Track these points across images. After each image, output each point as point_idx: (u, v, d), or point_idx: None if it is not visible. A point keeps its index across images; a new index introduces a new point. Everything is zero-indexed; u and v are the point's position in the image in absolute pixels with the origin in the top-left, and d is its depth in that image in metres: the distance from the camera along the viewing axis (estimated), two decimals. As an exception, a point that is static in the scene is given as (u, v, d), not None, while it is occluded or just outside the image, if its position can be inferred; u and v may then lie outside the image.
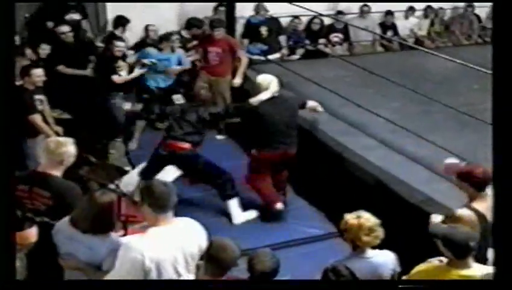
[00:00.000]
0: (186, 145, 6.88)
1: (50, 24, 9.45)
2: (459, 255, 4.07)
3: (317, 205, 7.29)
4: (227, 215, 6.98)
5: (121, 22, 9.61)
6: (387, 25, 11.88)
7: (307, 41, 11.18)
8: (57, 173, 4.75)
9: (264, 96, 6.84)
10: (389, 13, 11.83)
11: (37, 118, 7.23)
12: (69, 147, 4.80)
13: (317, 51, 11.10)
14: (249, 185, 7.05)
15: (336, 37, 11.55)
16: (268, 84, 6.92)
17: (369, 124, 7.75)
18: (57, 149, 4.73)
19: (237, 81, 8.91)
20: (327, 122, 7.89)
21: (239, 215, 6.99)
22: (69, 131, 7.71)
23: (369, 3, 11.70)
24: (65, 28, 9.14)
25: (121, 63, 8.69)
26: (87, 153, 7.86)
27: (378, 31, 11.78)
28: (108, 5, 9.95)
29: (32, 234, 4.50)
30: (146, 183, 4.40)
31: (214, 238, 4.14)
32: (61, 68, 8.90)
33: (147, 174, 6.96)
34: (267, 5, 10.58)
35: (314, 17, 11.17)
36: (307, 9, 9.39)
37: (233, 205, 7.01)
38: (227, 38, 8.99)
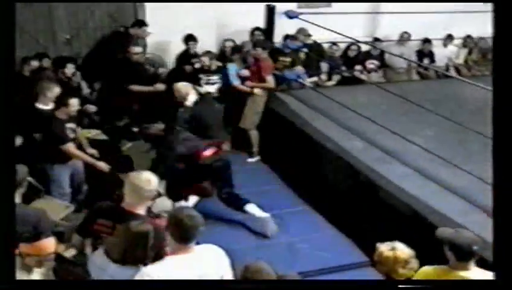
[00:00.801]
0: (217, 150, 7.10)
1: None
2: (461, 258, 4.26)
3: (349, 233, 7.26)
4: (256, 237, 7.02)
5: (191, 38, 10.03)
6: (425, 52, 11.86)
7: (344, 68, 11.20)
8: (141, 210, 4.65)
9: (192, 98, 7.71)
10: (427, 41, 11.81)
11: (70, 147, 7.13)
12: (155, 184, 4.70)
13: (353, 77, 11.12)
14: None
15: (371, 64, 11.56)
16: (187, 89, 7.79)
17: (404, 152, 7.70)
18: (146, 186, 4.61)
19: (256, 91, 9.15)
20: (362, 149, 7.88)
21: (263, 213, 7.09)
22: (103, 151, 7.87)
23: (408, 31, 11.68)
24: (138, 49, 9.35)
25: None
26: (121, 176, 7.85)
27: (414, 58, 11.76)
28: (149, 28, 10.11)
29: (49, 244, 4.53)
30: (175, 213, 4.27)
31: (249, 262, 4.14)
32: (135, 87, 9.06)
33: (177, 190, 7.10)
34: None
35: (352, 43, 11.19)
36: (344, 35, 9.42)
37: (254, 207, 7.12)
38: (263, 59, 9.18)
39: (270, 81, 9.26)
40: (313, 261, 6.68)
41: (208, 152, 7.08)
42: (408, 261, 4.35)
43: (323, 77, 10.93)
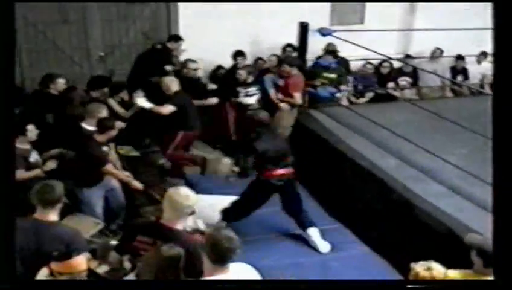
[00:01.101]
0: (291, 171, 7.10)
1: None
2: (489, 264, 4.31)
3: (382, 252, 7.20)
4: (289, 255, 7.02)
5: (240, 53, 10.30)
6: (458, 69, 11.77)
7: (376, 85, 11.17)
8: (180, 226, 4.67)
9: (175, 87, 8.61)
10: (460, 58, 11.72)
11: (109, 167, 7.20)
12: (194, 199, 4.71)
13: (386, 95, 11.08)
14: (175, 159, 8.78)
15: (403, 80, 11.51)
16: (168, 82, 8.70)
17: (439, 170, 7.63)
18: (184, 202, 4.63)
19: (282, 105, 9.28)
20: (396, 167, 7.83)
21: (323, 243, 7.11)
22: (134, 168, 7.91)
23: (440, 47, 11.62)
24: (195, 65, 9.51)
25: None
26: (153, 191, 7.91)
27: (448, 75, 11.68)
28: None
29: (81, 262, 4.58)
30: (213, 234, 4.20)
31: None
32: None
33: (246, 209, 7.22)
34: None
35: (384, 60, 11.16)
36: (377, 52, 9.39)
37: (316, 232, 7.15)
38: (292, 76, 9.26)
39: (297, 97, 9.30)
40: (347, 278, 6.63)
41: (282, 171, 7.05)
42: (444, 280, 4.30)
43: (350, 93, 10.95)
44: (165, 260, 4.18)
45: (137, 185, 7.41)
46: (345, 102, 10.65)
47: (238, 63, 10.22)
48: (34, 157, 6.81)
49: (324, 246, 7.11)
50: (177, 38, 9.98)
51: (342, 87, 10.28)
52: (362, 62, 11.03)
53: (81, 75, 10.03)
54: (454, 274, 4.45)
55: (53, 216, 5.05)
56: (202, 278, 4.12)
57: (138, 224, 5.14)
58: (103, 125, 7.06)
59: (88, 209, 7.14)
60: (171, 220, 4.64)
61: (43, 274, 4.68)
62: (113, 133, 7.16)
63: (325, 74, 9.89)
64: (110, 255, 5.04)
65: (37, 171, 6.73)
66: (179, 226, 4.65)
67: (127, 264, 4.98)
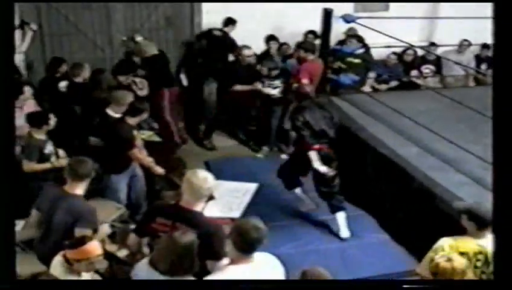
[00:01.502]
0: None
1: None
2: (482, 226, 4.72)
3: (401, 240, 7.21)
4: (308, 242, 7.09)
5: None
6: (482, 58, 11.65)
7: (399, 74, 11.09)
8: (199, 208, 4.68)
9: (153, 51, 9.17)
10: (485, 46, 11.58)
11: (136, 152, 7.21)
12: (212, 182, 4.72)
13: (409, 82, 11.00)
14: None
15: (427, 68, 11.42)
16: (146, 44, 9.36)
17: (461, 160, 7.55)
18: (203, 185, 4.63)
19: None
20: (418, 156, 7.78)
21: (345, 229, 7.25)
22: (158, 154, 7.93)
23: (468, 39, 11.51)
24: (249, 52, 9.60)
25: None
26: (174, 176, 7.90)
27: (473, 63, 11.56)
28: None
29: (95, 246, 4.65)
30: (241, 223, 4.29)
31: (306, 268, 4.12)
32: (239, 87, 9.41)
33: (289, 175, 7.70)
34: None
35: (408, 48, 11.07)
36: (401, 40, 9.32)
37: (342, 217, 7.28)
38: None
39: (304, 83, 8.96)
40: (363, 267, 6.66)
41: (317, 146, 7.22)
42: (466, 272, 4.28)
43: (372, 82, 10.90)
44: (180, 247, 4.19)
45: (159, 170, 7.44)
46: (367, 89, 10.57)
47: (270, 48, 10.35)
48: (49, 149, 6.81)
49: (345, 232, 7.18)
50: (233, 22, 10.11)
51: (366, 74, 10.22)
52: (385, 50, 10.92)
53: (102, 59, 10.06)
54: (450, 240, 4.79)
55: (79, 190, 5.38)
56: (227, 265, 4.14)
57: (157, 206, 5.16)
58: (136, 108, 7.10)
59: (113, 195, 7.20)
60: (190, 202, 4.65)
61: (58, 262, 4.71)
62: (145, 116, 7.24)
63: (349, 59, 9.82)
64: (129, 237, 5.07)
65: (47, 165, 6.74)
66: (198, 208, 4.66)
67: (146, 249, 5.01)
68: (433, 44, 11.46)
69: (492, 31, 3.42)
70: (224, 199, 7.39)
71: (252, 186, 8.04)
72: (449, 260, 4.30)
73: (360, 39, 10.12)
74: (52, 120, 6.84)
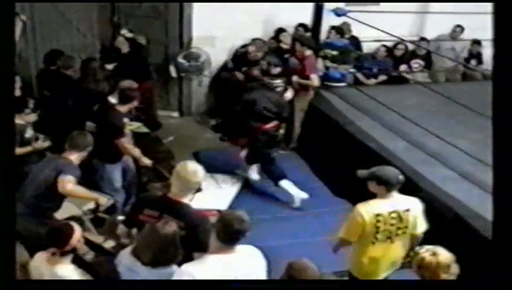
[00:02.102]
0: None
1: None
2: (391, 188, 5.14)
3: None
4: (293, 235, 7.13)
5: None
6: (473, 53, 11.65)
7: (388, 67, 11.08)
8: (186, 200, 4.67)
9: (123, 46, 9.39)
10: (476, 42, 11.57)
11: (125, 141, 7.13)
12: (201, 175, 4.72)
13: (398, 77, 11.01)
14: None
15: (416, 63, 11.42)
16: (120, 42, 9.47)
17: (449, 155, 7.58)
18: (192, 178, 4.63)
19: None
20: (405, 150, 7.79)
21: (298, 191, 7.70)
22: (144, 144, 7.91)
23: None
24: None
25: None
26: (162, 168, 7.91)
27: (465, 51, 11.66)
28: (195, 23, 10.15)
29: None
30: (225, 214, 4.33)
31: (293, 260, 4.15)
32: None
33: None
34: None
35: (398, 42, 11.07)
36: (391, 34, 9.32)
37: (288, 184, 7.70)
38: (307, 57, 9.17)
39: (314, 79, 9.16)
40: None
41: (269, 126, 7.73)
42: (450, 266, 4.29)
43: (360, 76, 10.90)
44: (162, 238, 4.19)
45: (147, 161, 7.39)
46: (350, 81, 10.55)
47: (281, 40, 10.24)
48: (29, 133, 6.80)
49: (302, 194, 7.62)
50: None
51: (346, 66, 10.15)
52: (376, 43, 10.91)
53: (85, 45, 10.00)
54: (361, 206, 5.18)
55: (73, 157, 5.78)
56: (207, 255, 4.14)
57: (145, 197, 5.17)
58: (126, 96, 7.06)
59: (108, 185, 7.16)
60: (178, 194, 4.64)
61: (43, 259, 4.68)
62: (135, 104, 7.19)
63: (327, 50, 9.81)
64: (118, 228, 5.07)
65: (29, 148, 6.74)
66: (186, 200, 4.66)
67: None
68: (423, 39, 11.44)
69: (493, 31, 3.41)
70: (211, 191, 7.39)
71: (240, 179, 8.08)
72: (434, 254, 4.30)
73: (340, 31, 10.00)
74: (31, 106, 6.84)
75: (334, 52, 9.80)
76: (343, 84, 10.02)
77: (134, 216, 4.82)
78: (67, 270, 4.54)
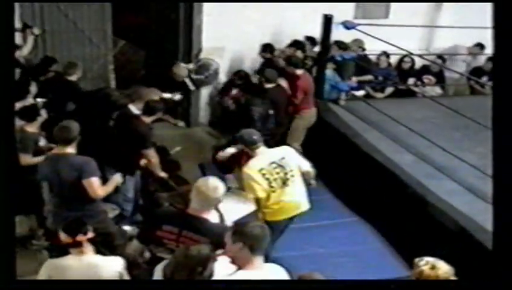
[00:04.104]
0: None
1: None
2: (254, 146, 6.14)
3: (395, 247, 7.24)
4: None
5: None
6: (485, 70, 11.48)
7: (397, 78, 11.04)
8: (208, 215, 4.65)
9: None
10: (490, 59, 11.41)
11: (151, 153, 7.12)
12: (222, 191, 4.69)
13: (406, 90, 10.97)
14: None
15: (427, 78, 11.35)
16: None
17: (456, 168, 7.56)
18: (214, 194, 4.62)
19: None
20: (412, 163, 7.78)
21: None
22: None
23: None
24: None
25: None
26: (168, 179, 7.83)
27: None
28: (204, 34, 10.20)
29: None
30: (243, 226, 4.20)
31: (303, 273, 4.08)
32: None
33: None
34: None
35: (405, 56, 11.04)
36: (400, 48, 9.31)
37: None
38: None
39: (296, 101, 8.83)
40: (356, 274, 6.60)
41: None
42: (449, 279, 4.25)
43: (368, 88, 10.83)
44: (195, 260, 4.02)
45: (162, 174, 7.40)
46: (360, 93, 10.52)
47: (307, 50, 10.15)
48: (42, 141, 6.83)
49: None
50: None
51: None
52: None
53: (98, 56, 10.04)
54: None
55: (69, 149, 5.73)
56: (236, 270, 4.06)
57: (163, 213, 5.11)
58: (152, 107, 7.04)
59: (121, 195, 7.15)
60: (198, 210, 4.61)
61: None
62: (159, 115, 7.20)
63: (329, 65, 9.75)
64: (131, 244, 5.02)
65: (43, 158, 6.72)
66: (205, 215, 4.63)
67: (147, 254, 4.89)
68: (440, 57, 11.37)
69: (492, 33, 3.40)
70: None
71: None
72: (433, 267, 4.27)
73: (342, 45, 9.92)
74: (44, 116, 6.86)
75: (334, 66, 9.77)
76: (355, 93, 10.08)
77: (150, 233, 4.76)
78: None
